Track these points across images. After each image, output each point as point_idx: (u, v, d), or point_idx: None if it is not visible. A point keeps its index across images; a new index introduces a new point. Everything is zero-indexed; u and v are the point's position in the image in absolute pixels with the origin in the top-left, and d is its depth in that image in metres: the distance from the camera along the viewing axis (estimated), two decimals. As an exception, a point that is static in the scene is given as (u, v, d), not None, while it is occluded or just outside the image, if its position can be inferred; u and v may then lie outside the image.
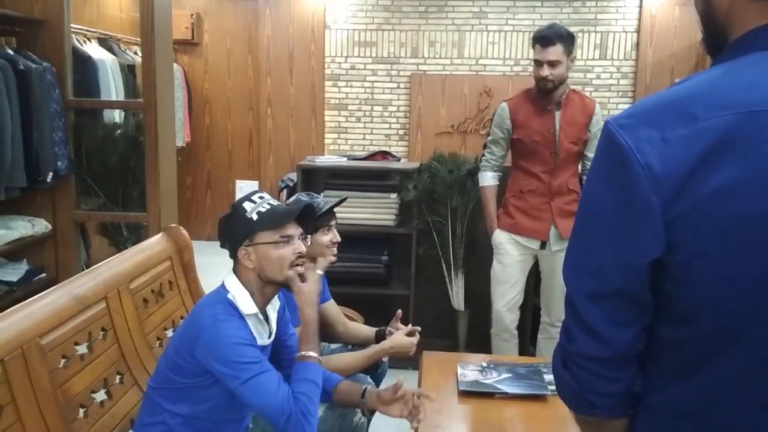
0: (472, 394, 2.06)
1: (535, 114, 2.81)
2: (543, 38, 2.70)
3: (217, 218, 1.74)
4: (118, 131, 4.01)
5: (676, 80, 4.46)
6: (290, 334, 1.84)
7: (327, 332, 2.39)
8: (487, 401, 2.05)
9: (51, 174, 3.39)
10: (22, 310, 1.58)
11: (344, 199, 2.33)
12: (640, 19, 5.54)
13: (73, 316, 1.74)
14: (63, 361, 1.66)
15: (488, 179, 2.98)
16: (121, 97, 4.35)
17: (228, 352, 1.49)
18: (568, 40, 2.70)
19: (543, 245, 2.89)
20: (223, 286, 1.65)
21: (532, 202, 2.86)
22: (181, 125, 5.64)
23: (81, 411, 1.68)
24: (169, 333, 2.26)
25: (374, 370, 2.30)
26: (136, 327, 2.05)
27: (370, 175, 3.48)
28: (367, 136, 5.91)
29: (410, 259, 3.36)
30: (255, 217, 1.62)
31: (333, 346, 2.38)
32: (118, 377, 1.89)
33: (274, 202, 1.68)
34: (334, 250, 2.14)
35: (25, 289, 3.31)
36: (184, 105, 5.75)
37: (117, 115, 4.34)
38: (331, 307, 2.41)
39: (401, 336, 2.17)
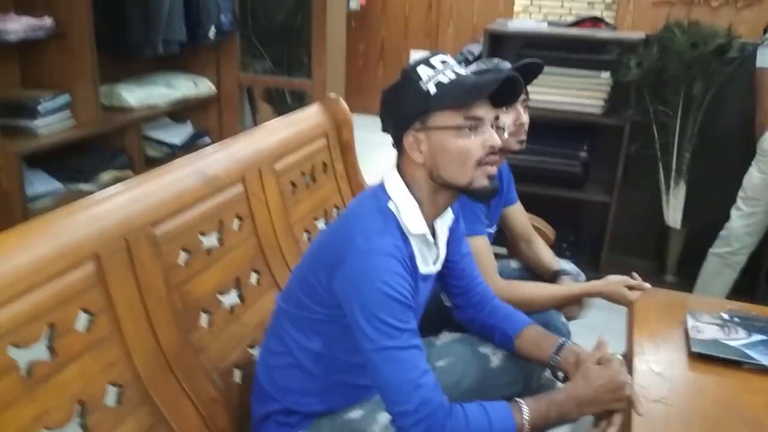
0: (710, 358, 1.48)
1: None
2: None
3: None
4: (287, -15, 3.61)
5: None
6: (464, 253, 1.35)
7: (506, 245, 1.88)
8: (730, 372, 1.46)
9: (213, 29, 3.10)
10: (130, 191, 1.24)
11: (540, 65, 1.51)
12: None
13: (200, 200, 1.39)
14: (184, 255, 1.33)
15: None
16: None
17: (374, 300, 1.04)
18: None
19: None
20: (382, 188, 1.18)
21: None
22: (356, -15, 5.14)
23: (204, 318, 1.36)
24: (320, 224, 1.89)
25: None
26: (281, 216, 1.68)
27: (578, 47, 2.75)
28: (565, 4, 5.05)
29: (617, 158, 2.70)
30: (433, 89, 1.11)
31: (514, 263, 1.87)
32: (254, 276, 1.55)
33: (461, 71, 1.14)
34: (522, 136, 1.57)
35: (187, 152, 3.15)
36: (361, -38, 5.20)
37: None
38: (518, 212, 1.87)
39: (621, 285, 1.58)
